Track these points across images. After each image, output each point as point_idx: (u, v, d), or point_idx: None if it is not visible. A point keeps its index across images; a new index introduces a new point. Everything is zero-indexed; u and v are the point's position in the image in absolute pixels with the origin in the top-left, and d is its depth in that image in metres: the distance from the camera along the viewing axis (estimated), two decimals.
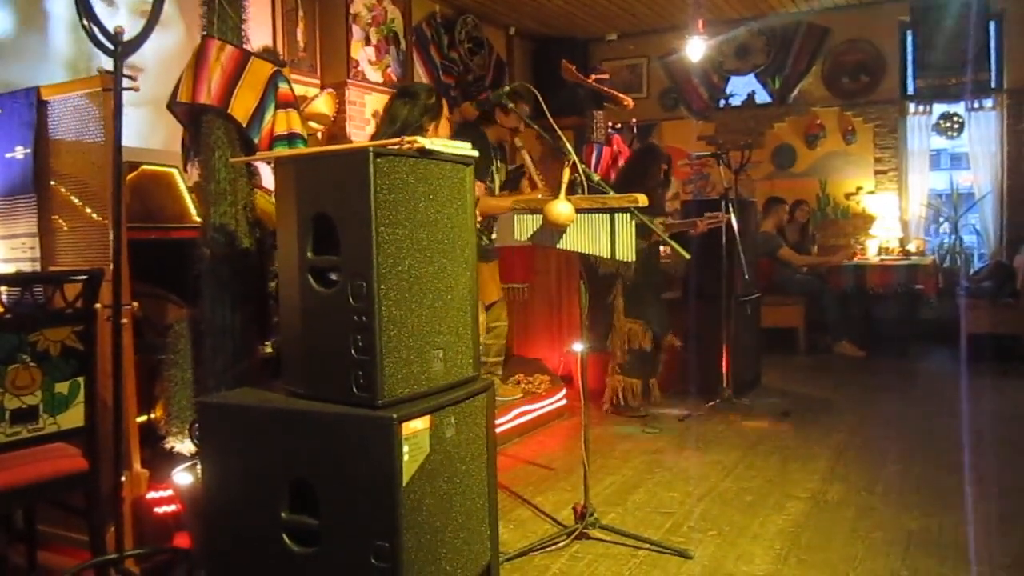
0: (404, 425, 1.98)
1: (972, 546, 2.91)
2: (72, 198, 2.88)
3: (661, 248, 5.01)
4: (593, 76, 5.86)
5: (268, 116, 2.85)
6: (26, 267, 2.98)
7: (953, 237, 8.30)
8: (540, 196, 3.75)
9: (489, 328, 4.31)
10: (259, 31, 5.61)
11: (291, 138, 2.88)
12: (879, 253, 7.56)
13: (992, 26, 7.57)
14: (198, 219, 3.22)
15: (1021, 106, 7.47)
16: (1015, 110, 7.50)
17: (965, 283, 7.17)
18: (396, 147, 2.07)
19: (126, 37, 2.40)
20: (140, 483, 2.74)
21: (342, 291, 2.02)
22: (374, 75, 6.74)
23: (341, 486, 2.01)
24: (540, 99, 3.12)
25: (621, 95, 5.52)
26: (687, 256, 3.02)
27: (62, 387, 2.41)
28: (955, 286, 7.36)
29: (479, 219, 3.52)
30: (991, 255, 7.69)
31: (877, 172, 8.06)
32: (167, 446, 2.90)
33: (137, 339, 2.83)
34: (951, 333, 6.97)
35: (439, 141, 2.20)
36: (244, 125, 2.82)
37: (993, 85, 7.59)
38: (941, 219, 8.54)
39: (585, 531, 3.01)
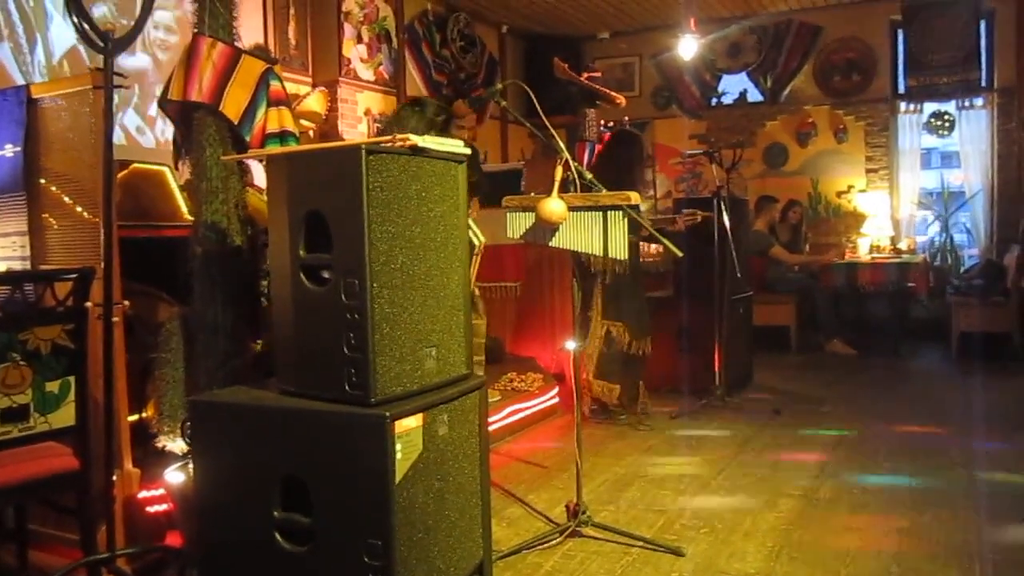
0: (397, 423, 1.98)
1: (963, 543, 2.92)
2: (63, 196, 2.87)
3: (642, 245, 4.91)
4: (585, 74, 5.86)
5: (260, 114, 2.84)
6: (16, 265, 2.97)
7: (944, 235, 8.34)
8: None
9: None
10: (250, 29, 5.59)
11: (283, 136, 2.87)
12: (870, 251, 7.58)
13: (983, 25, 7.61)
14: (190, 217, 3.22)
15: (1011, 105, 7.51)
16: (1005, 109, 7.54)
17: (956, 281, 7.20)
18: (388, 144, 2.07)
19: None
20: (131, 482, 2.73)
21: (334, 289, 2.02)
22: (366, 73, 6.73)
23: (333, 484, 2.00)
24: (532, 97, 3.12)
25: (613, 93, 5.52)
26: (680, 254, 3.02)
27: (53, 386, 2.39)
28: (946, 284, 7.40)
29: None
30: (981, 253, 7.73)
31: (868, 170, 8.09)
32: (159, 445, 2.89)
33: (128, 337, 2.82)
34: (942, 331, 7.02)
35: (431, 139, 2.19)
36: (236, 123, 2.81)
37: (983, 84, 7.63)
38: (932, 218, 8.57)
39: (578, 529, 3.01)
